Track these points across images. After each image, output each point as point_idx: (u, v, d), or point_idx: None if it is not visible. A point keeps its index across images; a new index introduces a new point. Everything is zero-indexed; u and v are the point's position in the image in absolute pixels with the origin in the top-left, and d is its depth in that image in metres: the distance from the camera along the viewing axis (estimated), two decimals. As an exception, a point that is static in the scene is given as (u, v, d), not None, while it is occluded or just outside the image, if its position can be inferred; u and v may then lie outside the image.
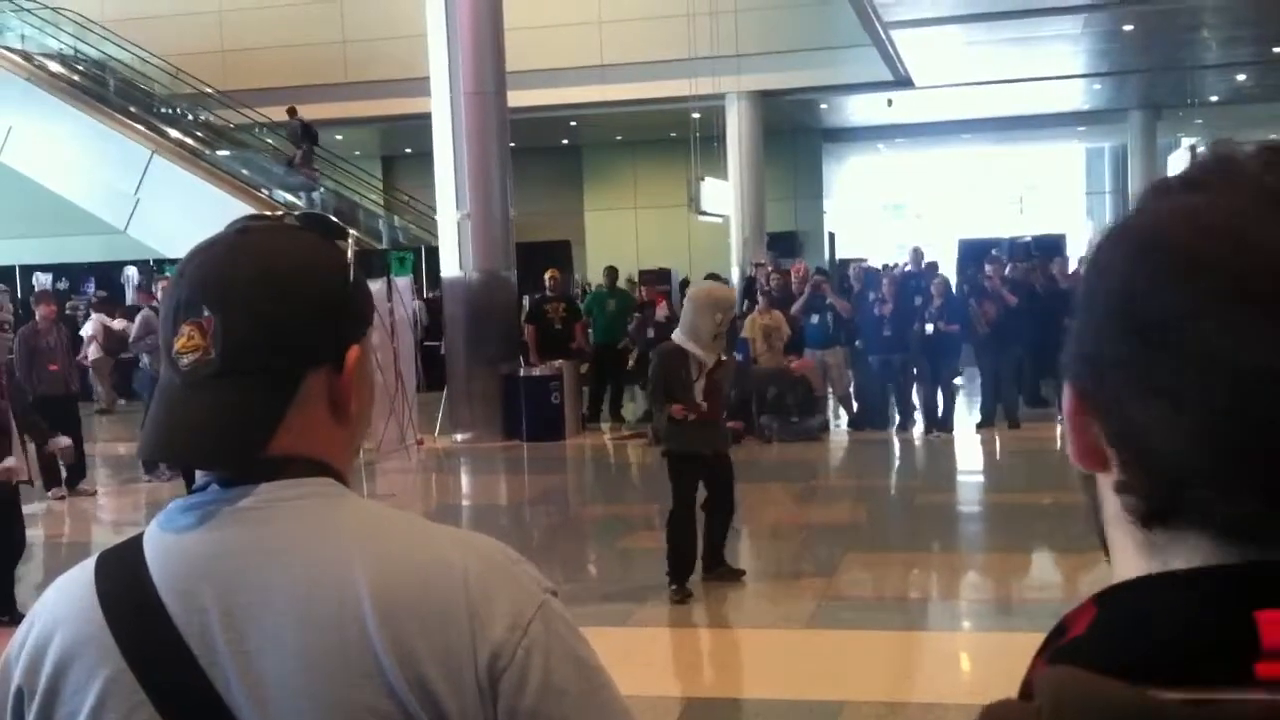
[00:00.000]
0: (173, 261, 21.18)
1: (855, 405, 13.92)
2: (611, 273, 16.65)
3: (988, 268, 14.30)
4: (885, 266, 17.77)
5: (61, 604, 1.20)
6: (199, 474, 1.22)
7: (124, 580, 1.17)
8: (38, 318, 10.97)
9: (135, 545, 1.19)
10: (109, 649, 1.14)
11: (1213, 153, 0.68)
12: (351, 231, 1.32)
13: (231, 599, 1.12)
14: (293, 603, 1.11)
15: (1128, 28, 19.39)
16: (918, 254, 15.55)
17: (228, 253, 1.20)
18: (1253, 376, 0.60)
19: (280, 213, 1.35)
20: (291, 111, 22.06)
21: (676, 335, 7.18)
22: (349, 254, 1.26)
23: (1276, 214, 0.63)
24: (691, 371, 7.02)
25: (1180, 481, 0.63)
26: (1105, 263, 0.68)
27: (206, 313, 1.16)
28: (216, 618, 1.12)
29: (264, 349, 1.16)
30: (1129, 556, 0.68)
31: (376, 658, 1.08)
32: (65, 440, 7.28)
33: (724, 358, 7.23)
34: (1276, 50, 20.81)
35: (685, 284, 17.76)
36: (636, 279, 20.85)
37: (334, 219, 1.32)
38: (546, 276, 15.03)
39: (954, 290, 14.24)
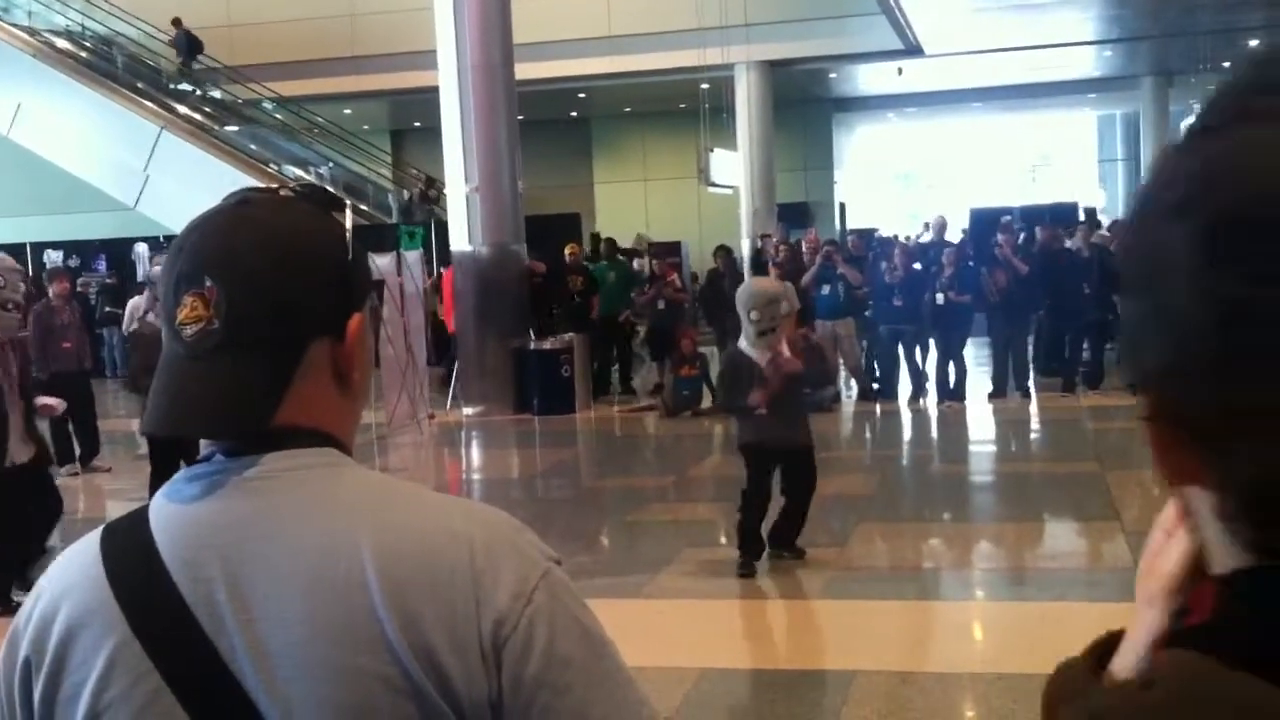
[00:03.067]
0: (183, 238, 21.22)
1: (874, 375, 13.91)
2: (610, 244, 16.63)
3: (1000, 236, 14.24)
4: (907, 237, 17.65)
5: (68, 574, 1.20)
6: (203, 444, 1.22)
7: (130, 550, 1.18)
8: (51, 295, 10.98)
9: (141, 516, 1.20)
10: (115, 619, 1.14)
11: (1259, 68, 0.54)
12: (350, 202, 1.31)
13: (237, 568, 1.13)
14: (298, 571, 1.11)
15: (1139, -7, 19.27)
16: (941, 223, 15.42)
17: (228, 223, 1.20)
18: None
19: (278, 185, 1.35)
20: (176, 22, 22.28)
21: (741, 338, 7.07)
22: (348, 225, 1.26)
23: None
24: (753, 373, 6.81)
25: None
26: (1154, 227, 0.56)
27: (209, 283, 1.15)
28: (222, 587, 1.12)
29: (267, 319, 1.16)
30: (1231, 555, 0.59)
31: (381, 625, 1.08)
32: (51, 401, 7.27)
33: (784, 354, 6.91)
34: (1290, 14, 20.66)
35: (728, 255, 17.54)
36: (646, 249, 20.86)
37: (332, 190, 1.31)
38: (566, 250, 15.04)
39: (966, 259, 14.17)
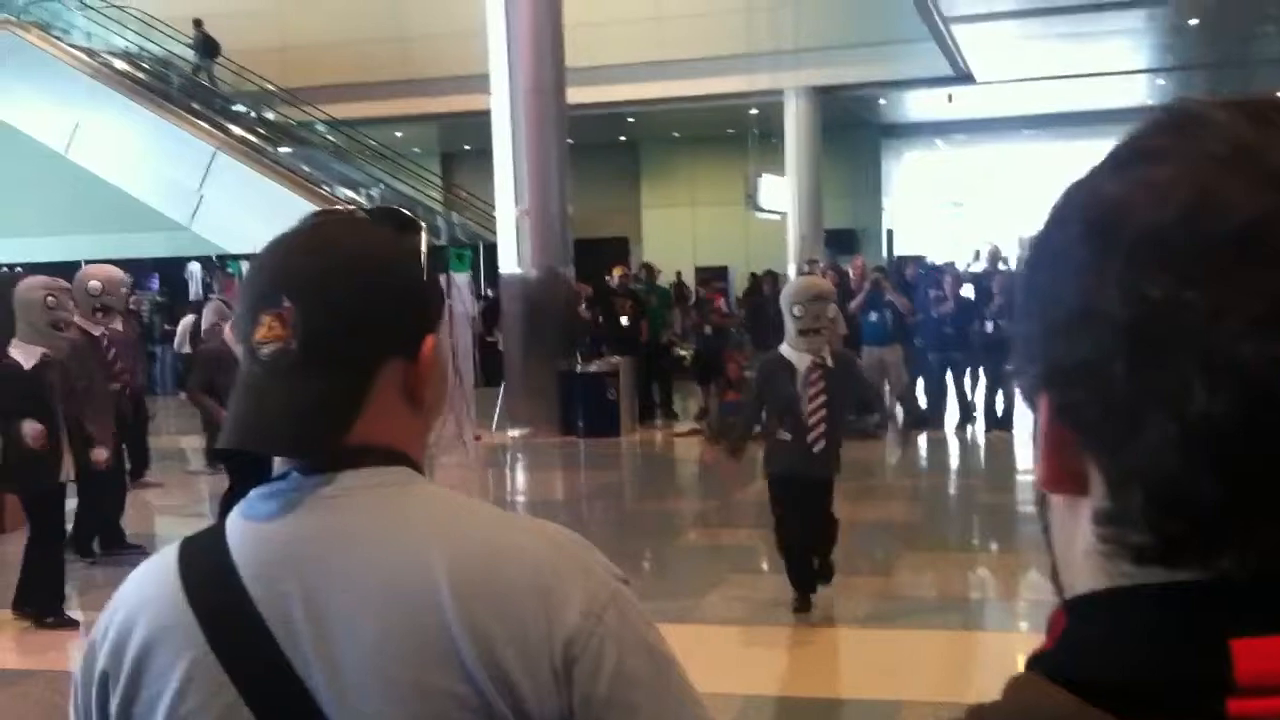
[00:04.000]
0: (235, 257, 21.45)
1: (921, 403, 13.83)
2: (650, 269, 16.68)
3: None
4: (948, 264, 17.55)
5: (145, 588, 1.23)
6: (278, 462, 1.24)
7: (207, 566, 1.20)
8: None
9: (218, 532, 1.22)
10: (193, 633, 1.16)
11: (1170, 113, 0.58)
12: (425, 224, 1.34)
13: (313, 584, 1.14)
14: (372, 588, 1.13)
15: (1193, 22, 19.12)
16: (995, 252, 15.37)
17: (306, 244, 1.22)
18: (1263, 375, 0.51)
19: (354, 207, 1.37)
20: (197, 23, 22.56)
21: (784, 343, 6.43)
22: (422, 246, 1.28)
23: (1250, 170, 0.53)
24: (795, 382, 6.17)
25: (1195, 519, 0.54)
26: (1058, 250, 0.58)
27: (286, 303, 1.17)
28: (298, 603, 1.14)
29: (343, 338, 1.18)
30: (1099, 582, 0.60)
31: (454, 642, 1.10)
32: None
33: (828, 362, 6.24)
34: (1346, 44, 20.45)
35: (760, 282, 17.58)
36: (692, 279, 20.87)
37: (406, 212, 1.34)
38: (615, 272, 15.09)
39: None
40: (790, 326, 6.19)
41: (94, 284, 8.25)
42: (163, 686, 1.17)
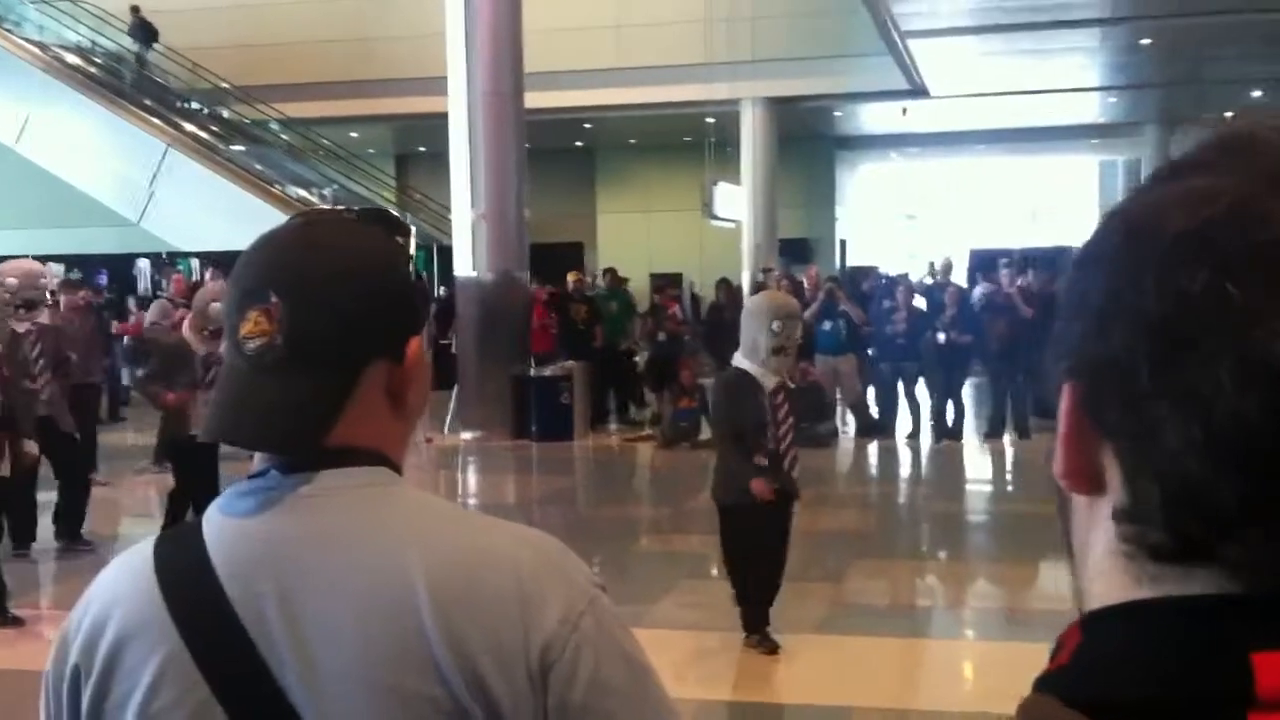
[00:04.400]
0: (185, 255, 21.26)
1: (873, 412, 13.92)
2: (612, 274, 16.65)
3: (1004, 278, 14.27)
4: (901, 276, 17.68)
5: (119, 584, 1.22)
6: (255, 460, 1.23)
7: (183, 562, 1.19)
8: (62, 306, 11.09)
9: (195, 528, 1.21)
10: (166, 630, 1.15)
11: (1220, 132, 0.60)
12: (413, 227, 1.35)
13: (289, 584, 1.14)
14: (350, 590, 1.13)
15: (1145, 41, 19.38)
16: (948, 265, 15.55)
17: (295, 242, 1.23)
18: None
19: (342, 207, 1.38)
20: (134, 10, 22.35)
21: (737, 357, 6.04)
22: (410, 249, 1.28)
23: None
24: (759, 399, 5.87)
25: (1214, 518, 0.54)
26: (1098, 253, 0.60)
27: (273, 299, 1.17)
28: (274, 603, 1.13)
29: (330, 338, 1.18)
30: (1117, 585, 0.60)
31: (431, 647, 1.09)
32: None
33: (790, 383, 6.09)
34: (1293, 67, 20.80)
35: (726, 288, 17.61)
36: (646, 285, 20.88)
37: (394, 214, 1.34)
38: (570, 277, 15.08)
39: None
40: (764, 343, 5.84)
41: (10, 281, 8.00)
42: (135, 683, 1.16)
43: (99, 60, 23.36)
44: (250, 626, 1.13)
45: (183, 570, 1.18)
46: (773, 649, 6.18)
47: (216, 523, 1.20)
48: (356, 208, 1.35)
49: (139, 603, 1.18)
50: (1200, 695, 0.54)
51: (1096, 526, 0.61)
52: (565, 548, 1.21)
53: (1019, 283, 14.47)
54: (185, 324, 7.97)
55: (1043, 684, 0.59)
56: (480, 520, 1.22)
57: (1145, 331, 0.55)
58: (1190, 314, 0.54)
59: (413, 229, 1.32)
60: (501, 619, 1.11)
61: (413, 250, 1.29)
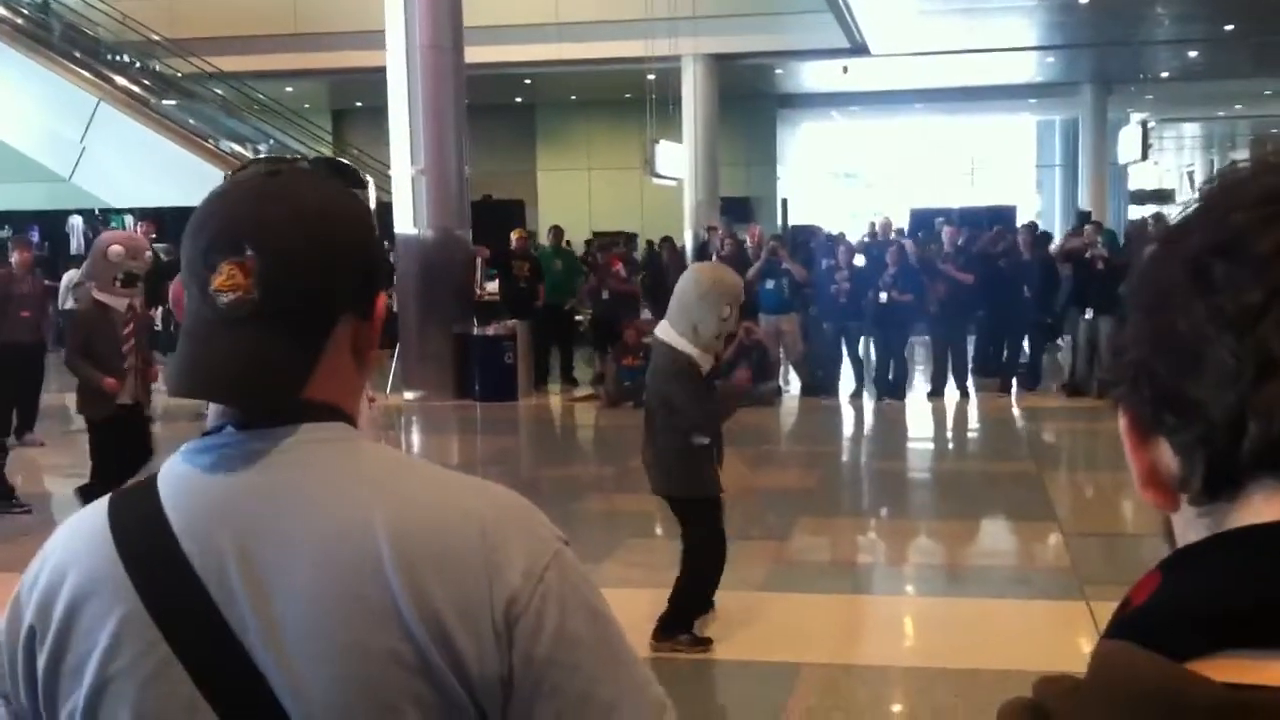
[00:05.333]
0: (118, 211, 20.87)
1: (814, 371, 14.00)
2: (557, 232, 16.56)
3: (944, 240, 14.37)
4: (839, 235, 17.77)
5: (74, 541, 1.19)
6: (211, 415, 1.20)
7: (140, 519, 1.16)
8: (14, 264, 10.90)
9: (150, 485, 1.19)
10: (124, 588, 1.13)
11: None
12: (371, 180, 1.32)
13: (249, 541, 1.12)
14: (311, 546, 1.11)
15: (1082, 1, 19.50)
16: (887, 224, 15.65)
17: (263, 193, 1.19)
18: None
19: (297, 157, 1.34)
20: None
21: (670, 333, 5.45)
22: (371, 202, 1.26)
23: None
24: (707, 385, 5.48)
25: (1235, 423, 0.60)
26: (1151, 271, 0.67)
27: (249, 251, 1.14)
28: (233, 559, 1.12)
29: (303, 292, 1.16)
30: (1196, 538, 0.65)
31: (394, 602, 1.08)
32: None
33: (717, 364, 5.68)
34: (1227, 28, 21.01)
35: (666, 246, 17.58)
36: (590, 243, 20.79)
37: (353, 166, 1.31)
38: (513, 235, 14.96)
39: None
40: (711, 326, 5.32)
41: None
42: (93, 643, 1.14)
43: (25, 11, 22.78)
44: (210, 584, 1.11)
45: (139, 527, 1.16)
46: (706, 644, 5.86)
47: (172, 479, 1.18)
48: (312, 158, 1.31)
49: (95, 561, 1.16)
50: (1272, 609, 0.57)
51: (1188, 531, 0.66)
52: (529, 503, 1.20)
53: (959, 242, 14.58)
54: (91, 286, 7.32)
55: (1118, 629, 0.62)
56: (442, 475, 1.20)
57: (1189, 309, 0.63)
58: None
59: (369, 180, 1.29)
60: (466, 573, 1.10)
61: (371, 203, 1.26)
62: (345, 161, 1.32)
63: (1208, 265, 0.62)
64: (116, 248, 7.11)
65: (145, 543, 1.15)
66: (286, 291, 1.15)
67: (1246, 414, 0.60)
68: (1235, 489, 0.62)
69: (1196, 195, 0.67)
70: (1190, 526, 0.66)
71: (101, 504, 1.20)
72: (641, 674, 1.15)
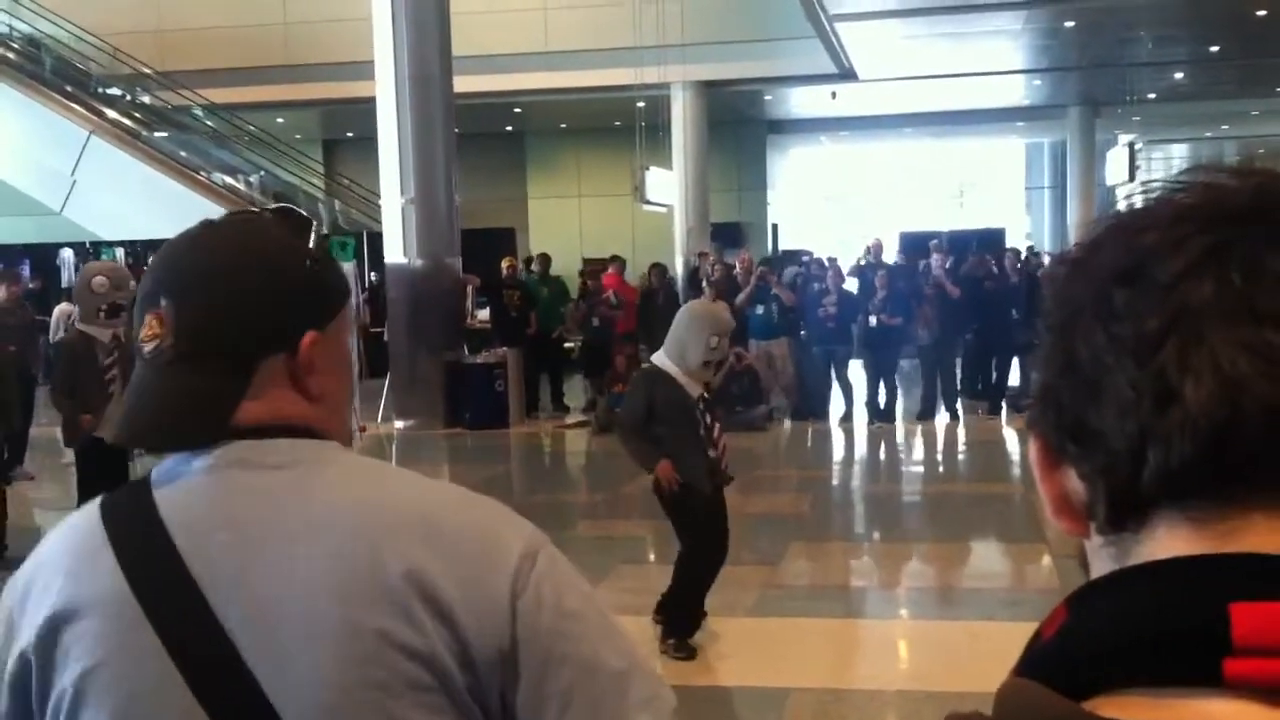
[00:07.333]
0: (110, 244, 20.87)
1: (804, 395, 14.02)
2: (544, 260, 16.58)
3: (934, 265, 14.41)
4: (830, 260, 17.82)
5: (68, 540, 1.25)
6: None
7: (133, 518, 1.22)
8: (1, 298, 10.91)
9: (143, 486, 1.24)
10: (118, 584, 1.17)
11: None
12: (316, 222, 1.38)
13: (242, 540, 1.17)
14: (303, 541, 1.16)
15: (1068, 24, 19.61)
16: (877, 248, 15.70)
17: (191, 245, 1.26)
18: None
19: (257, 209, 1.40)
20: None
21: (659, 357, 5.95)
22: (310, 244, 1.31)
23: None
24: (694, 413, 5.83)
25: (1136, 454, 0.60)
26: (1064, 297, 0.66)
27: (163, 302, 1.22)
28: (226, 553, 1.16)
29: (215, 334, 1.22)
30: (1103, 570, 0.64)
31: (388, 580, 1.13)
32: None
33: (707, 395, 5.97)
34: (1212, 50, 21.14)
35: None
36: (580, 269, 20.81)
37: (300, 210, 1.38)
38: (504, 264, 14.99)
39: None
40: (696, 355, 5.72)
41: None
42: (82, 632, 1.17)
43: (16, 45, 22.84)
44: (203, 582, 1.15)
45: (132, 526, 1.21)
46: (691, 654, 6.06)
47: (165, 482, 1.23)
48: (271, 206, 1.37)
49: (89, 559, 1.20)
50: (1177, 641, 0.56)
51: (1095, 561, 0.66)
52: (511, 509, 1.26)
53: (946, 265, 14.63)
54: (74, 317, 7.36)
55: (1025, 666, 0.61)
56: (427, 480, 1.27)
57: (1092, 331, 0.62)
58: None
59: (314, 223, 1.34)
60: (465, 554, 1.16)
61: (312, 244, 1.32)
62: (295, 209, 1.37)
63: (1109, 292, 0.61)
64: (100, 279, 7.08)
65: (138, 540, 1.20)
66: (197, 335, 1.21)
67: (1147, 445, 0.59)
68: (1140, 519, 0.62)
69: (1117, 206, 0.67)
70: (1097, 556, 0.65)
71: (94, 505, 1.26)
72: (632, 645, 1.22)
